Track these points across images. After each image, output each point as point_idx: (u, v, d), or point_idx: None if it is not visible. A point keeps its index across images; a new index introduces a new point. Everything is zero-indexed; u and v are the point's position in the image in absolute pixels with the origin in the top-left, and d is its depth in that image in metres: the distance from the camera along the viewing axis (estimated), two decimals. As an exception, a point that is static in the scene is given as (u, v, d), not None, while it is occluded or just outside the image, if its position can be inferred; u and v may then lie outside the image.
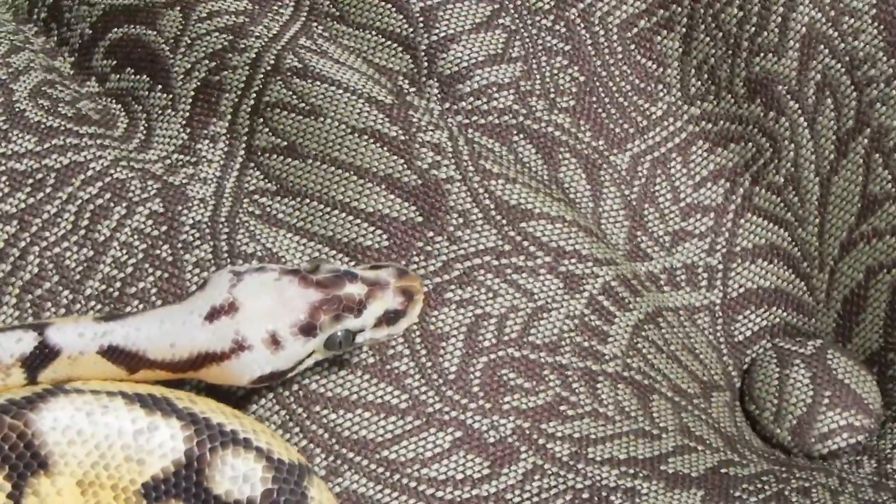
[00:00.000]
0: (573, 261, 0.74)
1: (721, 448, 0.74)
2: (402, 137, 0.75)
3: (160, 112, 0.78)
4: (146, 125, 0.78)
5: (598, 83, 0.80)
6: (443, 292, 0.72)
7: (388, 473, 0.68)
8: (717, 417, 0.76)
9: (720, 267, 0.80)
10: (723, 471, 0.72)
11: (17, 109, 0.76)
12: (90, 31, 0.82)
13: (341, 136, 0.75)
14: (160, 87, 0.78)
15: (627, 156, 0.80)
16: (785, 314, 0.80)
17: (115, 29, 0.81)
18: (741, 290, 0.80)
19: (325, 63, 0.77)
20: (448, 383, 0.71)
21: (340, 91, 0.76)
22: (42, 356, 0.64)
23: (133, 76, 0.79)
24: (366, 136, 0.75)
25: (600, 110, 0.80)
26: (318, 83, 0.76)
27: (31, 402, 0.61)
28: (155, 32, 0.79)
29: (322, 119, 0.75)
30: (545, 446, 0.70)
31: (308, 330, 0.64)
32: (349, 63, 0.78)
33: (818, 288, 0.80)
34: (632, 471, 0.70)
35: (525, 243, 0.74)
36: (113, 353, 0.64)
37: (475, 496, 0.68)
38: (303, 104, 0.76)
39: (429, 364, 0.71)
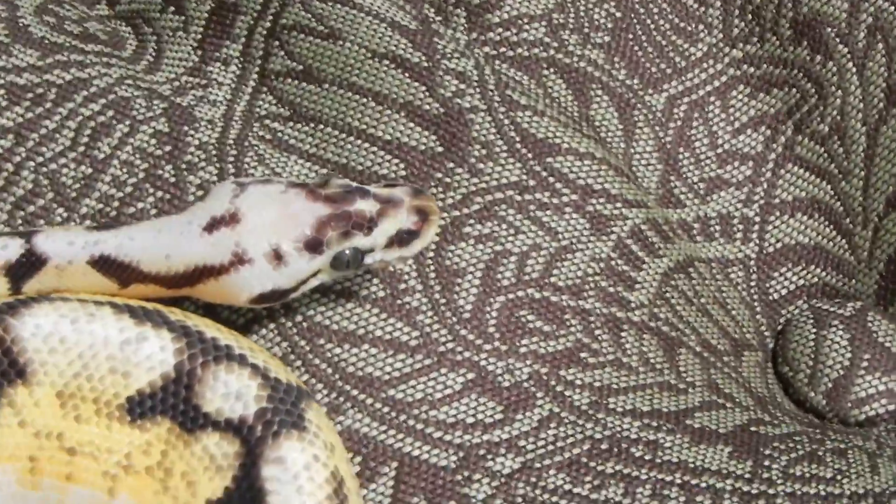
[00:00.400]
0: (601, 200, 0.70)
1: (751, 407, 0.69)
2: (426, 64, 0.70)
3: (171, 34, 0.74)
4: (156, 47, 0.74)
5: (634, 20, 0.76)
6: (461, 226, 0.68)
7: (393, 413, 0.64)
8: (748, 377, 0.71)
9: (757, 219, 0.75)
10: (752, 429, 0.67)
11: (20, 24, 0.72)
12: (104, -48, 0.78)
13: (360, 61, 0.70)
14: (172, 8, 0.74)
15: (663, 97, 0.75)
16: (824, 273, 0.75)
17: (130, -51, 0.77)
18: (778, 245, 0.75)
19: (348, -17, 0.73)
20: (462, 322, 0.66)
21: (362, 14, 0.72)
22: (28, 265, 0.59)
23: (145, -4, 0.76)
24: (386, 62, 0.70)
25: (636, 48, 0.76)
26: (339, 5, 0.72)
27: (11, 308, 0.56)
28: (171, -48, 0.76)
29: (341, 42, 0.71)
30: (563, 393, 0.66)
31: (314, 246, 0.60)
32: (373, -13, 0.74)
33: (860, 246, 0.75)
34: (655, 423, 0.66)
35: (551, 179, 0.69)
36: (104, 264, 0.60)
37: (486, 441, 0.64)
38: (321, 27, 0.71)
39: (442, 301, 0.66)
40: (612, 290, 0.69)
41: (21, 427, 0.55)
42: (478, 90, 0.70)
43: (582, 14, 0.75)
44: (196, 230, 0.60)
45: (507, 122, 0.70)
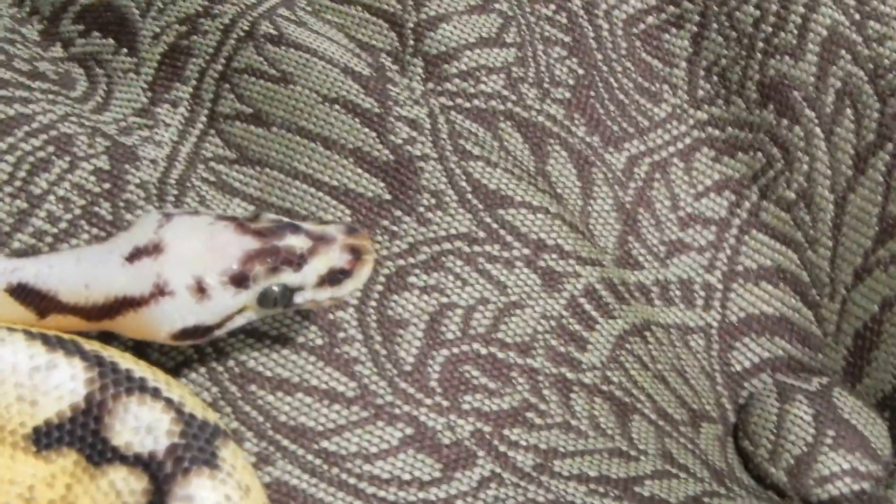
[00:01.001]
0: (554, 256, 0.67)
1: (707, 479, 0.66)
2: (377, 110, 0.68)
3: (122, 75, 0.72)
4: (106, 88, 0.72)
5: (597, 77, 0.74)
6: (406, 276, 0.65)
7: (325, 466, 0.61)
8: (705, 448, 0.68)
9: (719, 286, 0.72)
10: (706, 500, 0.64)
11: (-35, 58, 0.70)
12: (60, 1, 0.76)
13: (310, 105, 0.68)
14: (125, 50, 0.73)
15: (624, 156, 0.73)
16: (789, 346, 0.72)
17: (86, -7, 0.75)
18: (742, 314, 0.73)
19: (303, 32, 0.71)
20: (403, 375, 0.63)
21: (315, 59, 0.70)
22: (-60, 292, 0.57)
23: (99, 40, 0.74)
24: (337, 106, 0.68)
25: (598, 106, 0.74)
26: (293, 50, 0.70)
27: (-83, 330, 0.54)
28: (127, -4, 0.74)
29: (292, 86, 0.69)
30: (506, 454, 0.62)
31: (239, 280, 0.57)
32: (328, 35, 0.72)
33: (827, 319, 0.72)
34: (602, 489, 0.62)
35: (501, 232, 0.67)
36: (22, 292, 0.57)
37: (422, 499, 0.60)
38: (273, 70, 0.70)
39: (383, 352, 0.63)
40: (562, 349, 0.66)
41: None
42: (430, 138, 0.68)
43: (543, 69, 0.73)
44: (117, 259, 0.57)
45: (458, 171, 0.68)
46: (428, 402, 0.63)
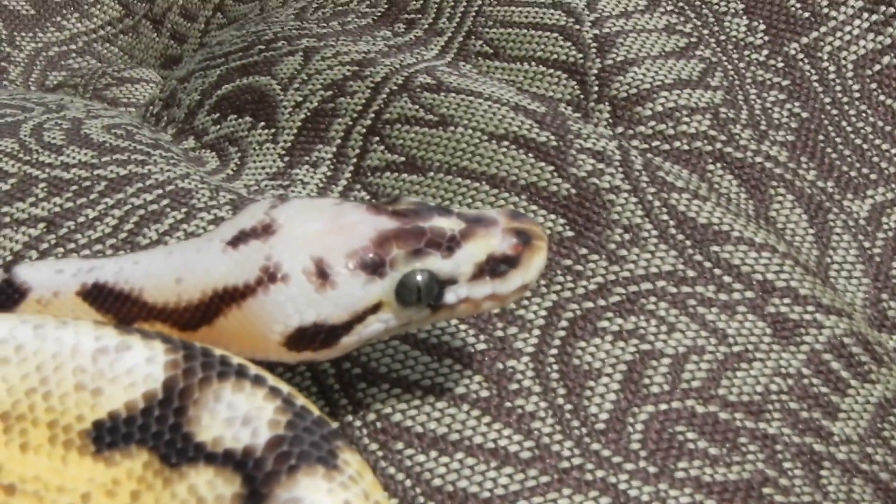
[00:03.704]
0: (787, 301, 0.52)
1: None
2: (555, 143, 0.56)
3: (257, 147, 0.62)
4: (238, 162, 0.61)
5: (826, 121, 0.61)
6: (596, 320, 0.51)
7: (494, 541, 0.45)
8: None
9: None
10: None
11: (81, 133, 0.61)
12: (199, 97, 0.67)
13: (474, 145, 0.57)
14: (263, 123, 0.63)
15: (867, 203, 0.59)
16: None
17: (225, 86, 0.66)
18: None
19: (465, 80, 0.60)
20: (594, 434, 0.48)
21: (479, 101, 0.58)
22: (4, 297, 0.45)
23: (235, 121, 0.64)
24: (506, 143, 0.56)
25: (829, 150, 0.60)
26: (453, 95, 0.59)
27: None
28: (269, 77, 0.64)
29: (452, 128, 0.58)
30: (740, 533, 0.46)
31: (372, 265, 0.43)
32: (496, 83, 0.61)
33: None
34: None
35: (717, 271, 0.53)
36: (98, 295, 0.45)
37: (624, 582, 0.44)
38: (430, 115, 0.58)
39: (568, 407, 0.49)
40: (805, 414, 0.50)
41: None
42: (620, 170, 0.55)
43: (758, 112, 0.60)
44: (217, 246, 0.44)
45: (657, 203, 0.54)
46: (629, 466, 0.48)
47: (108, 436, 0.39)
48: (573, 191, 0.54)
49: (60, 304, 0.45)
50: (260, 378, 0.40)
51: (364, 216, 0.44)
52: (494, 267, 0.44)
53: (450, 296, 0.44)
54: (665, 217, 0.54)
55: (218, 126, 0.64)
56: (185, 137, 0.66)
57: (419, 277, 0.44)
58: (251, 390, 0.40)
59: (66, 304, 0.45)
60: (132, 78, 0.79)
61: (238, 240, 0.44)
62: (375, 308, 0.44)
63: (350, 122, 0.60)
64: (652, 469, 0.48)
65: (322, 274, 0.43)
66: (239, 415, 0.39)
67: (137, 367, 0.40)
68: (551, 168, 0.55)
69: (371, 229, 0.44)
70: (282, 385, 0.40)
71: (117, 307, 0.45)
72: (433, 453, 0.47)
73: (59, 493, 0.39)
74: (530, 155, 0.56)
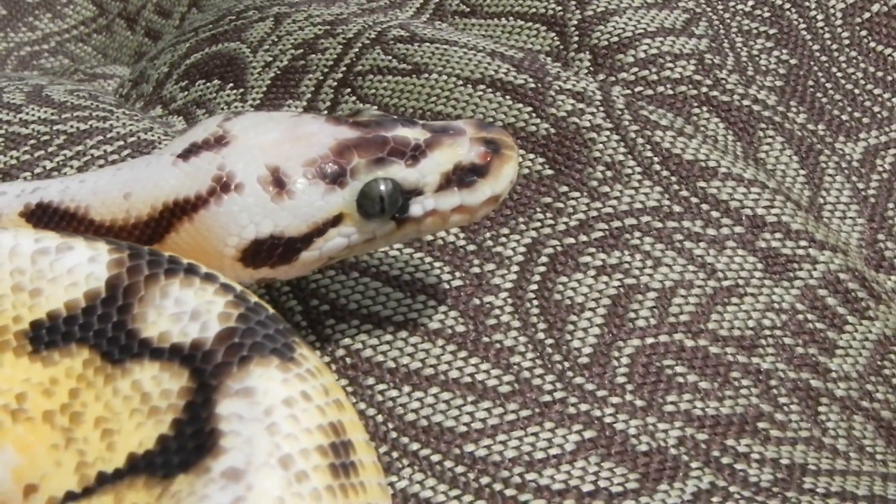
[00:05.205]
0: (778, 236, 0.50)
1: None
2: (532, 85, 0.54)
3: (225, 108, 0.60)
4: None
5: (815, 67, 0.58)
6: (577, 255, 0.48)
7: (471, 475, 0.42)
8: None
9: None
10: None
11: (43, 94, 0.59)
12: (167, 69, 0.65)
13: (449, 90, 0.54)
14: (231, 84, 0.60)
15: (860, 146, 0.56)
16: None
17: (194, 55, 0.64)
18: None
19: (440, 32, 0.58)
20: (577, 368, 0.45)
21: (455, 48, 0.56)
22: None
23: (203, 85, 0.62)
24: (482, 86, 0.54)
25: (819, 94, 0.58)
26: (427, 44, 0.57)
27: None
28: (238, 42, 0.62)
29: (426, 76, 0.55)
30: (732, 466, 0.43)
31: (332, 174, 0.41)
32: (472, 35, 0.59)
33: None
34: (878, 510, 0.43)
35: (704, 206, 0.50)
36: (42, 215, 0.43)
37: (610, 516, 0.41)
38: (403, 65, 0.56)
39: (549, 341, 0.46)
40: (800, 350, 0.47)
41: None
42: (601, 109, 0.53)
43: (744, 59, 0.58)
44: (168, 160, 0.42)
45: (640, 140, 0.52)
46: (615, 400, 0.45)
47: (46, 335, 0.37)
48: (552, 130, 0.52)
49: (3, 225, 0.42)
50: (211, 275, 0.37)
51: (323, 126, 0.42)
52: (462, 177, 0.42)
53: (415, 207, 0.42)
54: (649, 154, 0.51)
55: (186, 93, 0.62)
56: (153, 107, 0.63)
57: (382, 186, 0.41)
58: (201, 286, 0.37)
59: (10, 226, 0.42)
60: (105, 74, 0.77)
61: (189, 152, 0.42)
62: (336, 220, 0.41)
63: (321, 77, 0.58)
64: (639, 402, 0.45)
65: (278, 183, 0.41)
66: (187, 310, 0.36)
67: (79, 266, 0.37)
68: (529, 109, 0.53)
69: (331, 138, 0.42)
70: (235, 285, 0.38)
71: (63, 227, 0.42)
72: (406, 388, 0.45)
73: (-6, 394, 0.36)
74: (507, 97, 0.53)
